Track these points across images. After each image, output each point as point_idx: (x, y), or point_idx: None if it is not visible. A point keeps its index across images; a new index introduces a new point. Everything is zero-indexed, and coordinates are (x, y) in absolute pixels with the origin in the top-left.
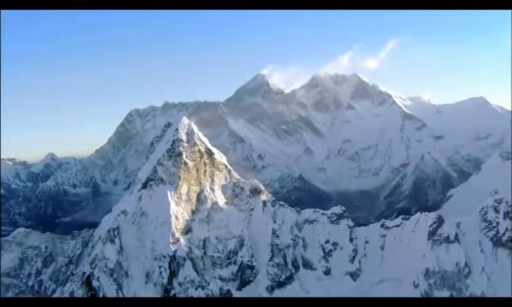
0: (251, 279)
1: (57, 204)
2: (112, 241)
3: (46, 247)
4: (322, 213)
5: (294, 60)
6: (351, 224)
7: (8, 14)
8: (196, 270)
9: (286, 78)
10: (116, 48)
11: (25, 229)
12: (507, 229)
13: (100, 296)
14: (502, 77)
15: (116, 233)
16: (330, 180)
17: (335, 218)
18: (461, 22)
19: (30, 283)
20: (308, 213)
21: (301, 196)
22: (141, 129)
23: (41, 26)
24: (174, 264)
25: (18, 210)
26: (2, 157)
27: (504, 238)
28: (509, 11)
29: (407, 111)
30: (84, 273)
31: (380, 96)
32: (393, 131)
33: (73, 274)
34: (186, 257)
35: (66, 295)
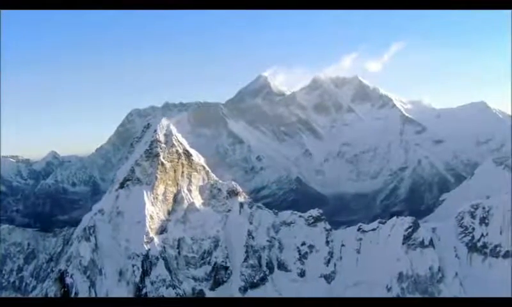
0: (224, 279)
1: (55, 203)
2: (87, 239)
3: (28, 244)
4: (300, 216)
5: (299, 61)
6: (328, 227)
7: (8, 14)
8: (168, 270)
9: (289, 79)
10: (118, 48)
11: (9, 226)
12: (482, 235)
13: (73, 293)
14: (503, 82)
15: (91, 231)
16: (328, 182)
17: (312, 221)
18: (464, 25)
19: (11, 279)
20: (285, 215)
21: (298, 198)
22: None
23: (42, 26)
24: (147, 263)
25: (15, 208)
26: (5, 154)
27: (479, 244)
28: (509, 11)
29: (407, 115)
30: (60, 270)
31: (380, 100)
32: (393, 134)
33: (53, 271)
34: (159, 256)
35: (45, 291)
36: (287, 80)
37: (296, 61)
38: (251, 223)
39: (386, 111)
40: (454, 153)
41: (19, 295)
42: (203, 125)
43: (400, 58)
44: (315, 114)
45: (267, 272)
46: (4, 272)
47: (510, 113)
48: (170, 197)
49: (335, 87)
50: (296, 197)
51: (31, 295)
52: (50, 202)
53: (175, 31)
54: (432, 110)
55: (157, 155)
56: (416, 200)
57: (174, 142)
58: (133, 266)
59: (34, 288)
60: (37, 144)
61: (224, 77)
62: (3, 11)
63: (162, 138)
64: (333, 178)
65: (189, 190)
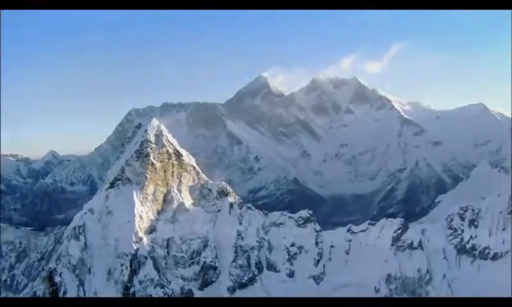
0: (213, 279)
1: (53, 202)
2: (77, 238)
3: (20, 243)
4: (290, 217)
5: (298, 62)
6: (318, 228)
7: (8, 14)
8: (157, 269)
9: (289, 80)
10: (118, 48)
11: (2, 225)
12: (471, 237)
13: (62, 291)
14: (503, 83)
15: (81, 230)
16: (326, 183)
17: (302, 222)
18: (464, 26)
19: (3, 278)
20: (275, 216)
21: (295, 198)
22: None
23: (42, 26)
24: (135, 262)
25: (13, 206)
26: (4, 153)
27: (468, 246)
28: (510, 11)
29: (405, 116)
30: (50, 268)
31: (379, 101)
32: (391, 136)
33: (44, 270)
34: (148, 256)
35: (35, 290)
36: (286, 81)
37: (295, 62)
38: (240, 223)
39: (384, 112)
40: (452, 154)
41: (10, 294)
42: (201, 126)
43: (400, 59)
44: (314, 115)
45: (256, 273)
46: None
47: (509, 115)
48: (160, 197)
49: (334, 88)
50: (293, 198)
51: (22, 294)
52: (48, 201)
53: (174, 30)
54: (430, 111)
55: (148, 155)
56: (413, 202)
57: (164, 142)
58: (121, 265)
59: (25, 286)
60: (36, 143)
61: (224, 77)
62: (3, 11)
63: (152, 138)
64: (331, 179)
65: (179, 190)
